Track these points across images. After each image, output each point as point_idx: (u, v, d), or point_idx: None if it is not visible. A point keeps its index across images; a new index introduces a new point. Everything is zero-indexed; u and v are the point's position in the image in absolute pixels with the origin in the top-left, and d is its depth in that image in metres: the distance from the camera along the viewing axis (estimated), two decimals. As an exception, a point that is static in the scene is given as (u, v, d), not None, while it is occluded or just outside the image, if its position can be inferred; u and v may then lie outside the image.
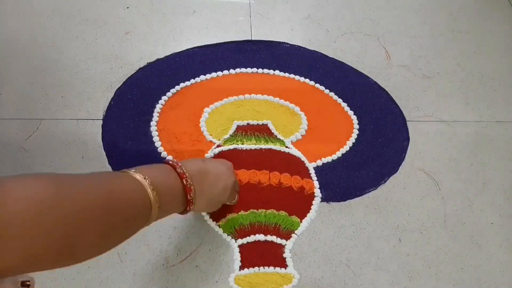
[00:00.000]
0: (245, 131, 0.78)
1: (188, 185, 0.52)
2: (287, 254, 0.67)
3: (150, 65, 0.84)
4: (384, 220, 0.72)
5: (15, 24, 0.87)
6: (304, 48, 0.91)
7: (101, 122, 0.77)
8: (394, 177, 0.76)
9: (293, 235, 0.69)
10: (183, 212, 0.54)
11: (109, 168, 0.72)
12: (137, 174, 0.47)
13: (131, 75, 0.83)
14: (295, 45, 0.91)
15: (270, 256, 0.66)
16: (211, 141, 0.77)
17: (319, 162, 0.76)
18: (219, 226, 0.68)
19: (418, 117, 0.84)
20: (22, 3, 0.90)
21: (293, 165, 0.75)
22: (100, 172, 0.47)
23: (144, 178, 0.46)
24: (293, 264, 0.66)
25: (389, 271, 0.67)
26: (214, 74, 0.84)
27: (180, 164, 0.53)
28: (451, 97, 0.88)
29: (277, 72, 0.86)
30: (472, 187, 0.77)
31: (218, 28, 0.91)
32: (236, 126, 0.79)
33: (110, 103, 0.79)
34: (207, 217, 0.69)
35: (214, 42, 0.89)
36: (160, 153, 0.74)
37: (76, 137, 0.75)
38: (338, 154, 0.78)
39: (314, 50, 0.90)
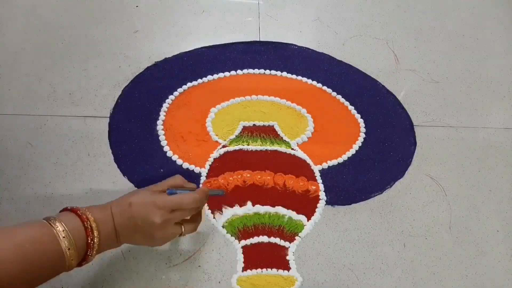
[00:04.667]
0: (251, 132, 0.78)
1: (89, 228, 0.51)
2: (290, 257, 0.67)
3: (157, 64, 0.85)
4: (389, 225, 0.71)
5: (25, 21, 0.87)
6: (312, 50, 0.90)
7: (108, 120, 0.77)
8: (400, 182, 0.76)
9: (297, 237, 0.69)
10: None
11: (114, 165, 0.72)
12: (57, 223, 0.48)
13: (139, 74, 0.83)
14: (303, 47, 0.91)
15: (273, 258, 0.66)
16: (217, 141, 0.77)
17: (325, 165, 0.76)
18: (223, 227, 0.68)
19: (425, 122, 0.84)
20: (32, 1, 0.90)
21: (299, 168, 0.75)
22: (14, 225, 0.48)
23: (61, 227, 0.48)
24: (296, 267, 0.66)
25: (392, 276, 0.67)
26: (221, 75, 0.84)
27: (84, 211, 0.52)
28: (459, 102, 0.87)
29: (284, 73, 0.86)
30: (479, 194, 0.76)
31: (226, 29, 0.91)
32: (242, 127, 0.79)
33: (117, 102, 0.79)
34: (211, 217, 0.69)
35: (222, 43, 0.89)
36: (166, 152, 0.74)
37: (83, 134, 0.75)
38: (344, 157, 0.77)
39: (322, 52, 0.90)
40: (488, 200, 0.76)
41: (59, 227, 0.48)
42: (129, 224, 0.53)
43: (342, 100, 0.84)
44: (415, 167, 0.78)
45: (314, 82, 0.86)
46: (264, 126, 0.79)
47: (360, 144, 0.79)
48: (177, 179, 0.61)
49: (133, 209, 0.53)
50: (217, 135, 0.77)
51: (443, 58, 0.93)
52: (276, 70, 0.86)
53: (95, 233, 0.50)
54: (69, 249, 0.47)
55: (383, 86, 0.87)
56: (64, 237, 0.47)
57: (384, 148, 0.79)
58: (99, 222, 0.52)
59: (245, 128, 0.79)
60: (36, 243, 0.46)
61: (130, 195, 0.56)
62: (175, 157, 0.74)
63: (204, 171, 0.73)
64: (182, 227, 0.57)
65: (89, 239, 0.50)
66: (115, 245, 0.55)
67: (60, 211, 0.52)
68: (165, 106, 0.79)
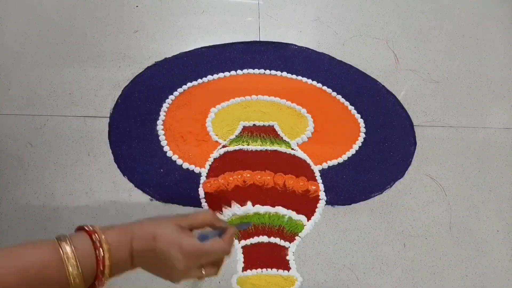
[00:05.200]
0: (251, 132, 0.78)
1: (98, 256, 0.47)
2: (290, 257, 0.67)
3: (157, 64, 0.84)
4: (389, 225, 0.71)
5: (25, 21, 0.87)
6: (312, 50, 0.90)
7: (108, 120, 0.77)
8: (400, 182, 0.76)
9: (297, 237, 0.69)
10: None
11: (114, 165, 0.72)
12: (67, 247, 0.45)
13: (139, 74, 0.83)
14: (303, 47, 0.91)
15: (273, 258, 0.66)
16: (217, 141, 0.77)
17: (325, 165, 0.76)
18: (223, 227, 0.68)
19: (425, 122, 0.84)
20: (32, 1, 0.90)
21: (299, 167, 0.75)
22: (21, 245, 0.45)
23: (70, 252, 0.44)
24: (296, 267, 0.66)
25: (392, 276, 0.67)
26: (221, 75, 0.84)
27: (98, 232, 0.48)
28: (459, 102, 0.87)
29: (284, 73, 0.86)
30: (479, 194, 0.76)
31: (226, 29, 0.91)
32: (242, 127, 0.79)
33: (117, 101, 0.79)
34: (211, 217, 0.69)
35: (222, 43, 0.89)
36: (166, 152, 0.74)
37: (83, 134, 0.75)
38: (344, 157, 0.77)
39: (322, 52, 0.90)
40: (488, 200, 0.76)
41: (69, 252, 0.45)
42: (148, 256, 0.50)
43: (342, 100, 0.84)
44: (415, 167, 0.78)
45: (314, 82, 0.85)
46: (264, 126, 0.79)
47: (360, 144, 0.79)
48: (208, 215, 0.56)
49: (157, 244, 0.50)
50: (217, 135, 0.77)
51: (443, 58, 0.93)
52: (276, 70, 0.86)
53: (107, 263, 0.47)
54: (74, 278, 0.45)
55: (383, 86, 0.87)
56: (70, 264, 0.44)
57: (384, 148, 0.79)
58: (114, 248, 0.48)
59: (245, 128, 0.79)
60: (41, 268, 0.43)
61: (156, 226, 0.51)
62: (175, 157, 0.74)
63: (204, 171, 0.73)
64: (203, 270, 0.53)
65: (99, 268, 0.47)
66: (128, 269, 0.52)
67: (77, 229, 0.49)
68: (165, 106, 0.79)
